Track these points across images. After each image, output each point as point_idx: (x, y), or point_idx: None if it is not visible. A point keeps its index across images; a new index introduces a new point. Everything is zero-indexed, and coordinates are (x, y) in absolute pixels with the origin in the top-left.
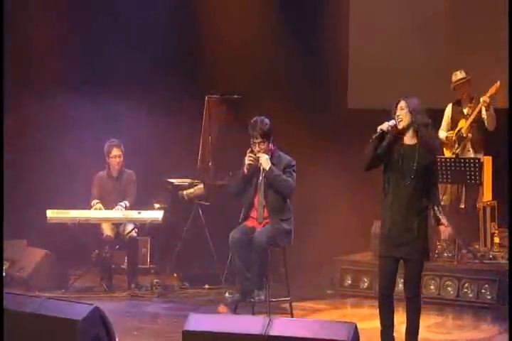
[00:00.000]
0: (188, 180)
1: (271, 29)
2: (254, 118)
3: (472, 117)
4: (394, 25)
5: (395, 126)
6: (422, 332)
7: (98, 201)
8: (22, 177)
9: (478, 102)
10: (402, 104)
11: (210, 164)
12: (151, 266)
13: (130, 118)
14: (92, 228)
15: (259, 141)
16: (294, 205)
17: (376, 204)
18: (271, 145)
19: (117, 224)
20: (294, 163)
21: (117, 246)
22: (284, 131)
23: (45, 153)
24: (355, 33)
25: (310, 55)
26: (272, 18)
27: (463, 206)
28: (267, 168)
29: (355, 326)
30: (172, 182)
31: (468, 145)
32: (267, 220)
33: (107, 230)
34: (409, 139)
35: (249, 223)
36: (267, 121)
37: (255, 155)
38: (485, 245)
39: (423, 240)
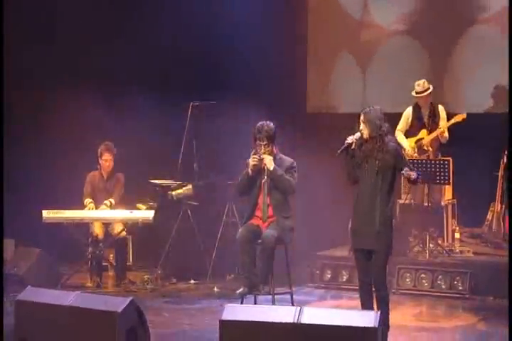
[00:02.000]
0: (170, 181)
1: (231, 38)
2: (261, 122)
3: (431, 137)
4: (351, 30)
5: (360, 137)
6: (411, 321)
7: (91, 200)
8: (10, 177)
9: (437, 111)
10: (362, 117)
11: (195, 165)
12: (134, 263)
13: (126, 120)
14: (84, 227)
15: (264, 143)
16: None
17: (351, 202)
18: (274, 148)
19: (106, 224)
20: (295, 164)
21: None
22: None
23: (35, 153)
24: (314, 39)
25: (269, 62)
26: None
27: (427, 204)
28: (271, 169)
29: (379, 313)
30: (160, 184)
31: (430, 150)
32: (271, 218)
33: (97, 229)
34: (371, 144)
35: (254, 221)
36: (272, 125)
37: (259, 156)
38: (446, 241)
39: (386, 234)
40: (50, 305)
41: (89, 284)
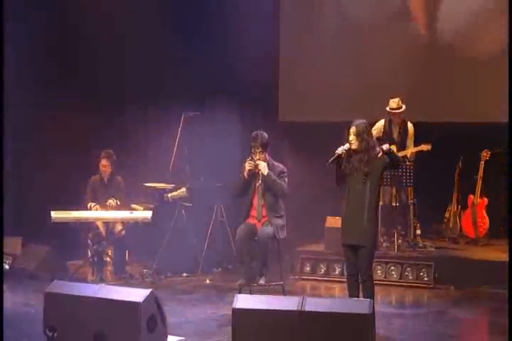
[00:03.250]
0: (163, 184)
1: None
2: (256, 132)
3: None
4: (323, 41)
5: (349, 148)
6: (386, 308)
7: (95, 204)
8: (18, 179)
9: (407, 129)
10: (352, 129)
11: (187, 170)
12: (132, 259)
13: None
14: (88, 226)
15: (259, 150)
16: None
17: (328, 203)
18: (267, 155)
19: (107, 223)
20: (285, 169)
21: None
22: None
23: (42, 157)
24: (286, 48)
25: (242, 72)
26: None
27: (395, 204)
28: (266, 173)
29: (371, 302)
30: (155, 187)
31: None
32: (265, 218)
33: (100, 228)
34: (359, 156)
35: (250, 220)
36: (265, 135)
37: (254, 162)
38: (410, 236)
39: (371, 232)
40: (76, 297)
41: (92, 278)
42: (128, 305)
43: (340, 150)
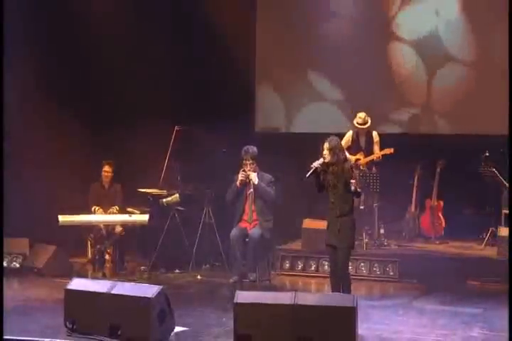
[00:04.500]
0: (155, 190)
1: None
2: (246, 147)
3: (367, 160)
4: (298, 54)
5: (323, 162)
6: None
7: (98, 207)
8: (27, 184)
9: (372, 137)
10: (326, 145)
11: (178, 178)
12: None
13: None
14: (89, 228)
15: (250, 162)
16: None
17: (305, 207)
18: (256, 166)
19: (107, 225)
20: (273, 179)
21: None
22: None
23: (50, 165)
24: (262, 61)
25: (220, 84)
26: (182, 53)
27: (362, 207)
28: (256, 183)
29: (355, 296)
30: (150, 193)
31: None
32: (256, 221)
33: (103, 230)
34: (333, 168)
35: (242, 224)
36: (255, 148)
37: (246, 173)
38: (376, 236)
39: (348, 234)
40: (93, 293)
41: (95, 275)
42: (140, 300)
43: (315, 164)
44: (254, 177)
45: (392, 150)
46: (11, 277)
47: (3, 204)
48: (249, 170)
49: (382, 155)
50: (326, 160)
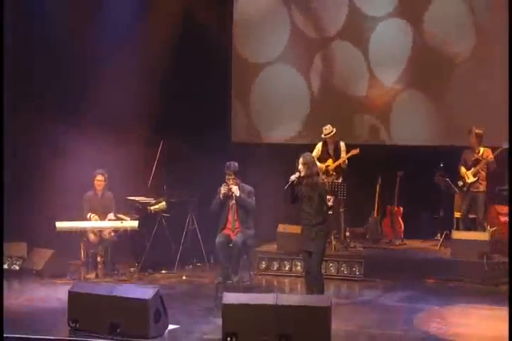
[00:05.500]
0: (142, 198)
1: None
2: (229, 162)
3: (335, 165)
4: (275, 65)
5: (299, 175)
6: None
7: (94, 215)
8: (26, 191)
9: (339, 146)
10: (300, 160)
11: (164, 187)
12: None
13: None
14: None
15: (232, 177)
16: None
17: (276, 212)
18: (237, 179)
19: (99, 231)
20: (253, 190)
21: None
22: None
23: (48, 173)
24: (238, 74)
25: (198, 96)
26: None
27: (330, 212)
28: (238, 195)
29: (329, 297)
30: (139, 200)
31: (333, 174)
32: (238, 229)
33: (93, 235)
34: (308, 181)
35: (225, 231)
36: (236, 164)
37: (228, 186)
38: (342, 238)
39: (322, 241)
40: (94, 295)
41: (89, 276)
42: (138, 302)
43: (292, 178)
44: (236, 190)
45: (357, 150)
46: (11, 278)
47: (4, 211)
48: (231, 184)
49: (350, 158)
50: (302, 174)
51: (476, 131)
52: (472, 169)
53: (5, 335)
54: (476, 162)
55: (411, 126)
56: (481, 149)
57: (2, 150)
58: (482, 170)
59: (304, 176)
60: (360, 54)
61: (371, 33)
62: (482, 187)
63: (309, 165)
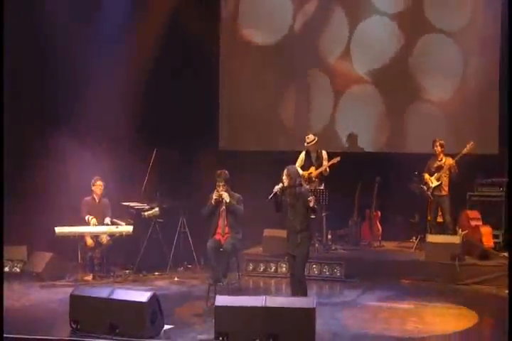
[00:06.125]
0: (136, 203)
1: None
2: (219, 171)
3: (317, 172)
4: (263, 75)
5: (283, 186)
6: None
7: (93, 217)
8: (26, 199)
9: (321, 154)
10: (285, 172)
11: (157, 194)
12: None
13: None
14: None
15: (222, 184)
16: None
17: (266, 218)
18: (227, 187)
19: (96, 236)
20: (241, 197)
21: (98, 250)
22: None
23: (47, 181)
24: (225, 83)
25: (185, 105)
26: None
27: (313, 216)
28: (228, 201)
29: (314, 299)
30: (133, 206)
31: (316, 181)
32: (228, 234)
33: (89, 239)
34: (292, 191)
35: (216, 237)
36: (226, 172)
37: (219, 193)
38: (325, 241)
39: (303, 246)
40: (94, 298)
41: (86, 278)
42: (136, 304)
43: (276, 188)
44: (226, 197)
45: (338, 158)
46: (12, 280)
47: (3, 214)
48: (221, 191)
49: (331, 165)
50: (285, 185)
51: (439, 141)
52: (435, 175)
53: (5, 335)
54: (439, 168)
55: (388, 134)
56: (443, 157)
57: (2, 153)
58: (445, 175)
59: (287, 186)
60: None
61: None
62: (445, 192)
63: (293, 176)
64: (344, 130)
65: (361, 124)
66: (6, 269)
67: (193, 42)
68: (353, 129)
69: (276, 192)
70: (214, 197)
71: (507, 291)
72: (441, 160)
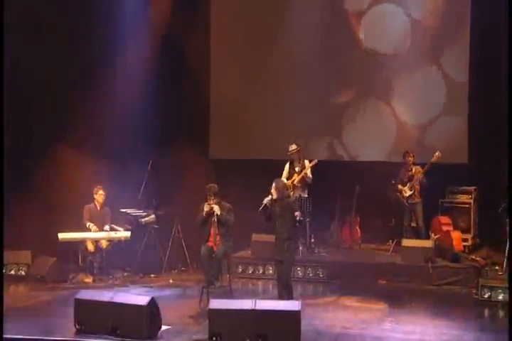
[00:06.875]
0: (133, 210)
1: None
2: (210, 185)
3: (299, 177)
4: (254, 84)
5: (271, 198)
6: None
7: (93, 224)
8: (33, 206)
9: (304, 164)
10: (273, 185)
11: (153, 201)
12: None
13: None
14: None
15: (212, 197)
16: None
17: (255, 224)
18: (218, 199)
19: (96, 241)
20: (232, 208)
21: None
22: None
23: (50, 191)
24: (215, 92)
25: (175, 115)
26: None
27: (298, 224)
28: (219, 213)
29: (300, 302)
30: (131, 213)
31: (299, 188)
32: (219, 241)
33: (90, 244)
34: (280, 202)
35: (209, 244)
36: (216, 186)
37: (210, 205)
38: (308, 244)
39: (292, 253)
40: (97, 301)
41: (87, 280)
42: (136, 307)
43: (266, 200)
44: (217, 209)
45: (316, 161)
46: (18, 283)
47: (3, 218)
48: (212, 203)
49: (313, 172)
50: (274, 197)
51: (412, 153)
52: (408, 184)
53: (4, 336)
54: (411, 178)
55: (366, 144)
56: (413, 167)
57: (2, 158)
58: (416, 184)
59: (275, 199)
60: None
61: None
62: (417, 199)
63: (280, 189)
64: (328, 139)
65: (345, 134)
66: (12, 272)
67: (185, 53)
68: (336, 139)
69: (266, 204)
70: (205, 209)
71: (474, 291)
72: (411, 170)
